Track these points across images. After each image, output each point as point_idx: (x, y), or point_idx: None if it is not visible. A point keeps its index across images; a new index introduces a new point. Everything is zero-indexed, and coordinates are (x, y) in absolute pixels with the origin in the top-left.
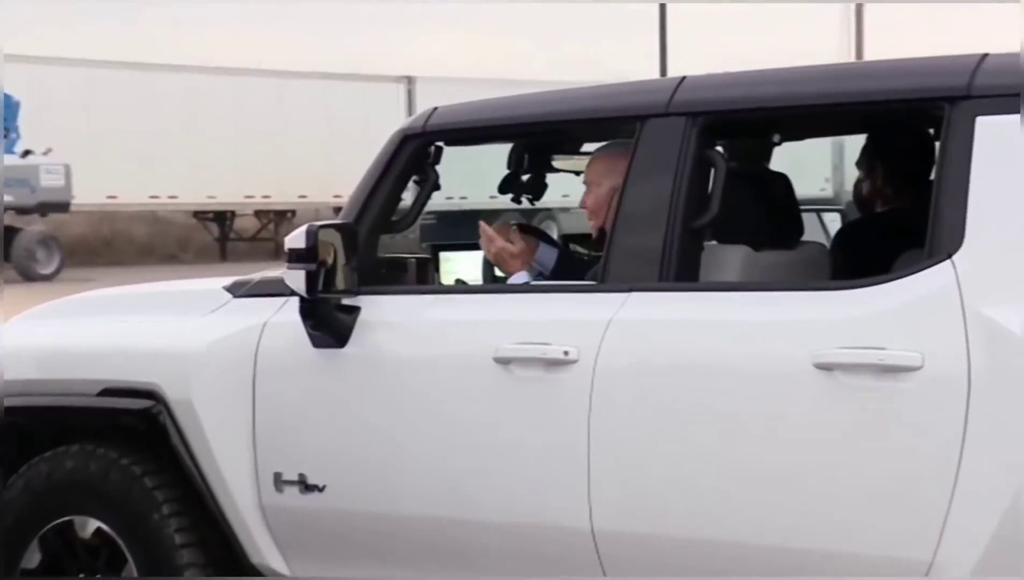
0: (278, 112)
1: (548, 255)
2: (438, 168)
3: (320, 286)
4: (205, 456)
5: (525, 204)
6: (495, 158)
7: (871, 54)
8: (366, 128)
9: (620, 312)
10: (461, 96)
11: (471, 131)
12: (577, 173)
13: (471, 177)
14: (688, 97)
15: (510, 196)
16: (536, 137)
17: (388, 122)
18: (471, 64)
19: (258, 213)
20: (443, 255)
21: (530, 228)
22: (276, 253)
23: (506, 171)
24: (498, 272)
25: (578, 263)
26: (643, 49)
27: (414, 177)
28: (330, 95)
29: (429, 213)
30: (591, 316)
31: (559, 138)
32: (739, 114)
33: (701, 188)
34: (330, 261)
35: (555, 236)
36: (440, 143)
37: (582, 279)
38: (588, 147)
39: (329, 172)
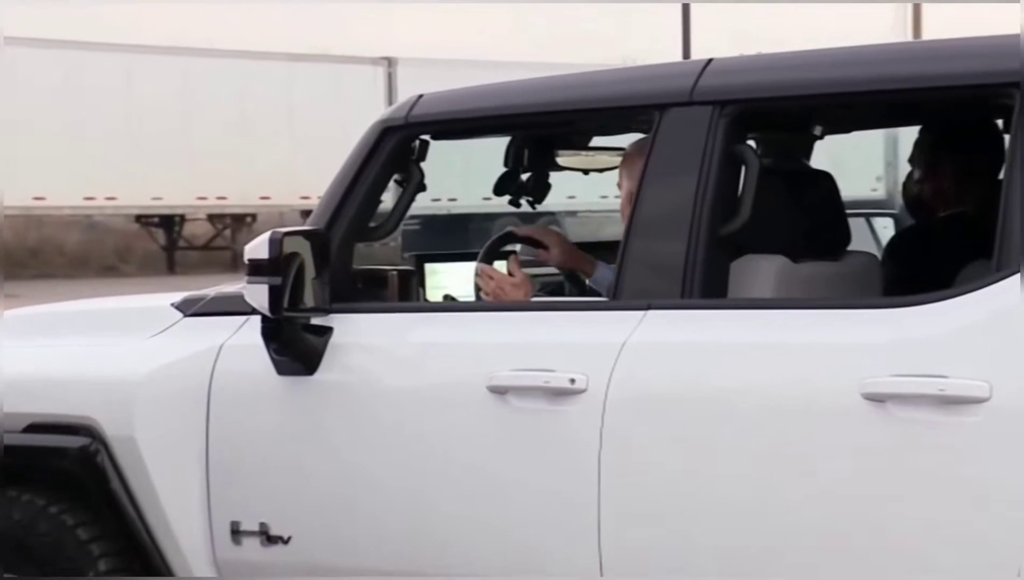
0: (236, 99)
1: (607, 275)
2: (423, 165)
3: (286, 303)
4: (150, 503)
5: (525, 207)
6: (490, 154)
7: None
8: (339, 119)
9: (635, 333)
10: (450, 81)
11: (462, 122)
12: (585, 171)
13: (462, 176)
14: (715, 83)
15: (507, 198)
16: (538, 129)
17: (365, 112)
18: (461, 44)
19: (212, 217)
20: (429, 267)
21: (580, 247)
22: (233, 264)
23: (503, 169)
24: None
25: None
26: (662, 27)
27: (396, 176)
28: (297, 80)
29: (413, 218)
30: (602, 338)
31: (564, 131)
32: (774, 103)
33: (730, 189)
34: (297, 274)
35: None
36: (426, 136)
37: None
38: (599, 142)
39: (296, 170)
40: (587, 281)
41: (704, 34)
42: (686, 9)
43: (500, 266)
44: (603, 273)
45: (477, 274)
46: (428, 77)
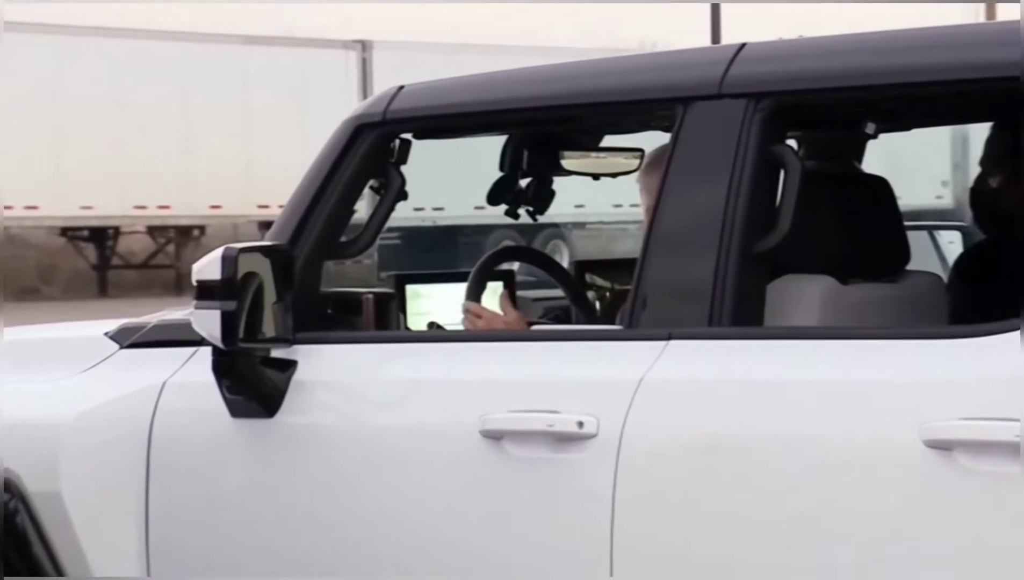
0: (180, 90)
1: None
2: (405, 169)
3: (241, 333)
4: (78, 569)
5: (524, 218)
6: (483, 156)
7: None
8: (305, 114)
9: (655, 368)
10: (435, 69)
11: (450, 118)
12: (595, 176)
13: (450, 182)
14: (749, 72)
15: (504, 208)
16: (540, 127)
17: (336, 105)
18: (448, 26)
19: (152, 230)
20: (411, 289)
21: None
22: (178, 286)
23: (498, 173)
24: None
25: None
26: (685, 9)
27: (372, 181)
28: (254, 67)
29: (392, 231)
30: (615, 374)
31: (571, 129)
32: (819, 95)
33: (766, 198)
34: (255, 298)
35: (565, 260)
36: (407, 135)
37: None
38: (613, 142)
39: (253, 174)
40: None
41: (736, 22)
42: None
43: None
44: None
45: (464, 311)
46: (409, 64)
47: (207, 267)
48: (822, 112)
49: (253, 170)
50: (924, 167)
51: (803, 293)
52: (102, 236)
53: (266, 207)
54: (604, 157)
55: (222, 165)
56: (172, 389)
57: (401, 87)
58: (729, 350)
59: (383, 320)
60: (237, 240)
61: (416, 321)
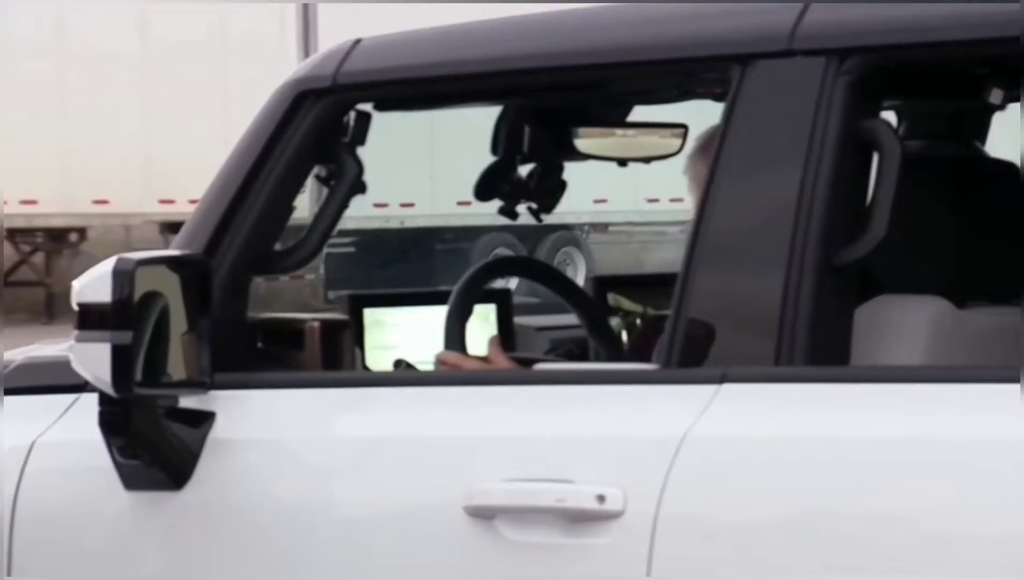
0: (49, 47)
1: None
2: (361, 152)
3: (138, 374)
4: None
5: (525, 218)
6: (469, 133)
7: None
8: (226, 79)
9: (702, 421)
10: (399, 21)
11: (424, 83)
12: (622, 161)
13: (423, 169)
14: (832, 19)
15: (497, 204)
16: (546, 95)
17: (267, 67)
18: None
19: (15, 234)
20: (371, 315)
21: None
22: (50, 309)
23: (490, 158)
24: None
25: None
26: None
27: (317, 169)
28: (157, 20)
29: (344, 236)
30: (648, 429)
31: (588, 97)
32: (929, 51)
33: (854, 191)
34: (158, 327)
35: (580, 276)
36: (366, 105)
37: None
38: (644, 115)
39: (152, 159)
40: None
41: None
42: None
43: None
44: None
45: (437, 365)
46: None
47: (92, 285)
48: (932, 75)
49: (153, 154)
50: None
51: (905, 320)
52: None
53: (171, 202)
54: (634, 136)
55: (111, 147)
56: (43, 450)
57: (357, 41)
58: (804, 397)
59: (333, 357)
60: (132, 248)
61: (377, 358)
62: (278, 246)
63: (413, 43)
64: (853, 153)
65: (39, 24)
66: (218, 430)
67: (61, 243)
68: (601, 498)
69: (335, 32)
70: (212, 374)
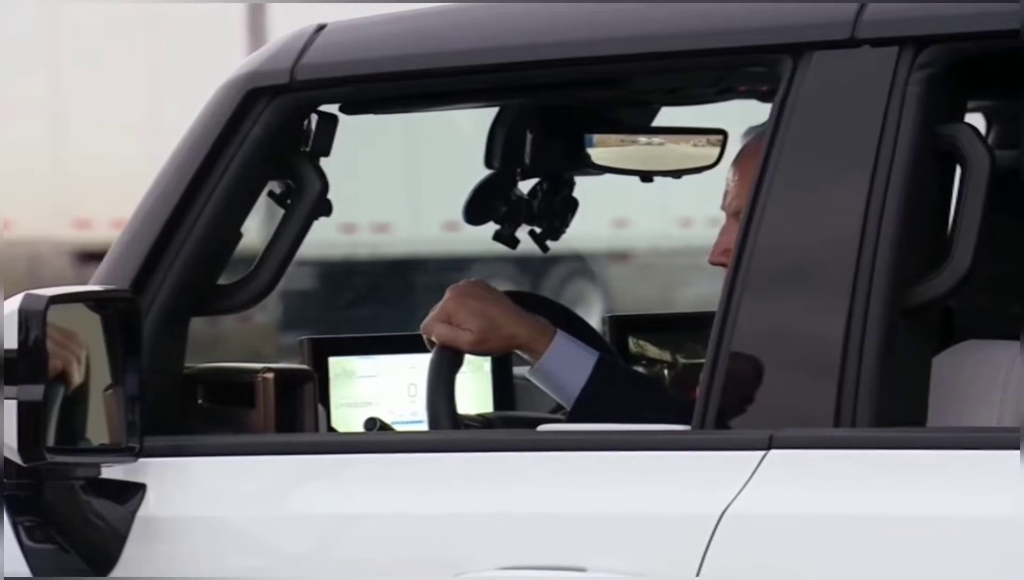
0: None
1: (570, 355)
2: (325, 164)
3: (51, 438)
4: None
5: (527, 245)
6: (455, 141)
7: None
8: (158, 76)
9: (746, 495)
10: (365, 7)
11: (402, 79)
12: (646, 176)
13: (400, 184)
14: (902, 2)
15: (492, 228)
16: (553, 94)
17: (209, 62)
18: None
19: None
20: (337, 364)
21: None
22: None
23: (484, 172)
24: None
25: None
26: None
27: (270, 185)
28: (72, 9)
29: (304, 266)
30: (679, 505)
31: (605, 98)
32: (1018, 40)
33: (933, 211)
34: (75, 379)
35: (595, 316)
36: (330, 106)
37: (664, 418)
38: (673, 119)
39: (65, 172)
40: (530, 372)
41: None
42: None
43: None
44: (562, 350)
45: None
46: (318, 9)
47: None
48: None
49: (66, 165)
50: None
51: (997, 371)
52: None
53: (88, 226)
54: (661, 144)
55: (14, 155)
56: None
57: (321, 27)
58: (869, 467)
59: (290, 416)
60: (39, 281)
61: (345, 416)
62: (222, 280)
63: (388, 31)
64: (931, 165)
65: None
66: (149, 506)
67: None
68: None
69: (286, 22)
70: (142, 438)
